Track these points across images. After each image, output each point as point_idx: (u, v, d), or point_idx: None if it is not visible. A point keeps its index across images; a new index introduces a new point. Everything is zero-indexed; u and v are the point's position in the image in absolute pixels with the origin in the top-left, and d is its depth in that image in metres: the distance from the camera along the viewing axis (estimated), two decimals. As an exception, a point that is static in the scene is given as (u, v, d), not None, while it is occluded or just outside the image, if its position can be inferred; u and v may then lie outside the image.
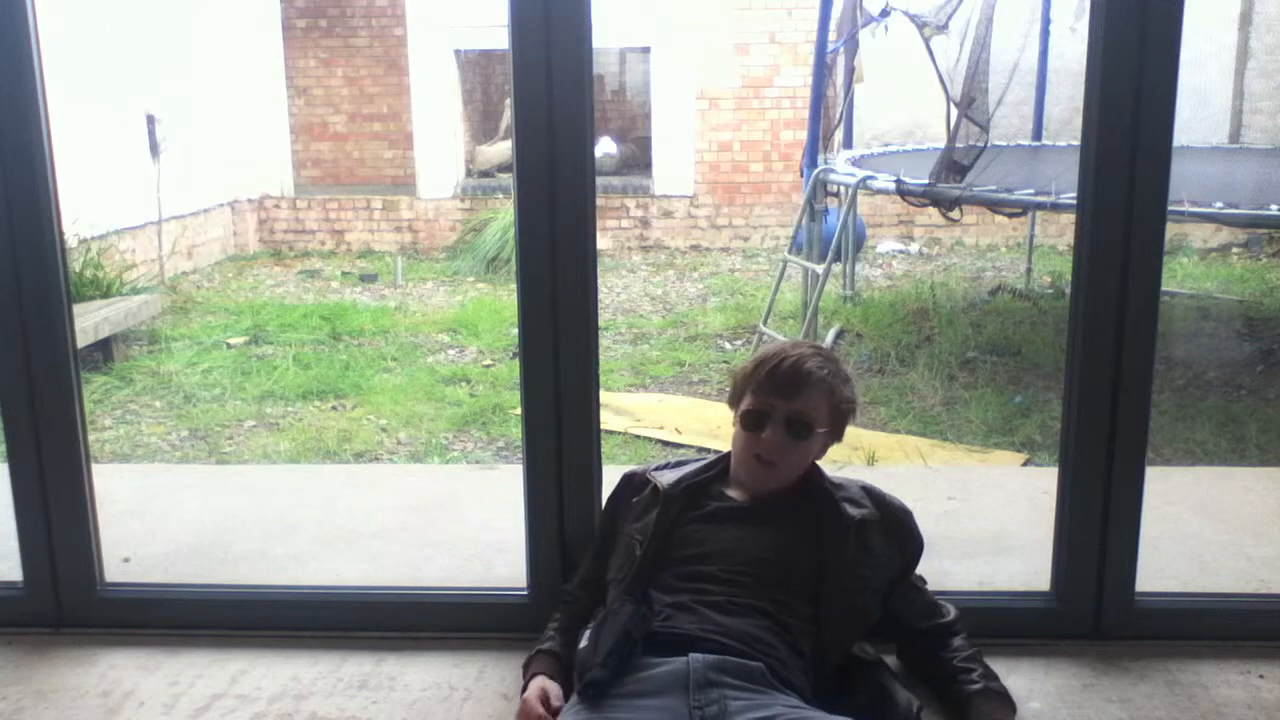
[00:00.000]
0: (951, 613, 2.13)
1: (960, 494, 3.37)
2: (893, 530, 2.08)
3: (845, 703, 1.91)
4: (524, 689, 2.00)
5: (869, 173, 6.91)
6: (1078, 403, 2.31)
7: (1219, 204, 5.74)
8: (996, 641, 2.38)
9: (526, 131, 2.24)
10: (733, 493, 2.09)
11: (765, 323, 6.82)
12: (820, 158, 7.62)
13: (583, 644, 1.91)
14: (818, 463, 2.12)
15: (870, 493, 2.11)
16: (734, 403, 2.09)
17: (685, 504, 2.07)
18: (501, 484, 3.50)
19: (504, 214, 9.64)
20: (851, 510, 2.03)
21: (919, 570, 2.17)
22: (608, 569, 2.14)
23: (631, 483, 2.19)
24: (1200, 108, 9.18)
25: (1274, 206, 5.70)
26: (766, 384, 2.02)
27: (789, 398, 2.00)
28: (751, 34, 10.46)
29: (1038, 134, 9.01)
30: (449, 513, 3.31)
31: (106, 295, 7.00)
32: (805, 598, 1.95)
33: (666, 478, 2.13)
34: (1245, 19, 9.97)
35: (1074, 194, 2.50)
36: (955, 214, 6.46)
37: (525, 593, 2.45)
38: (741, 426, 2.05)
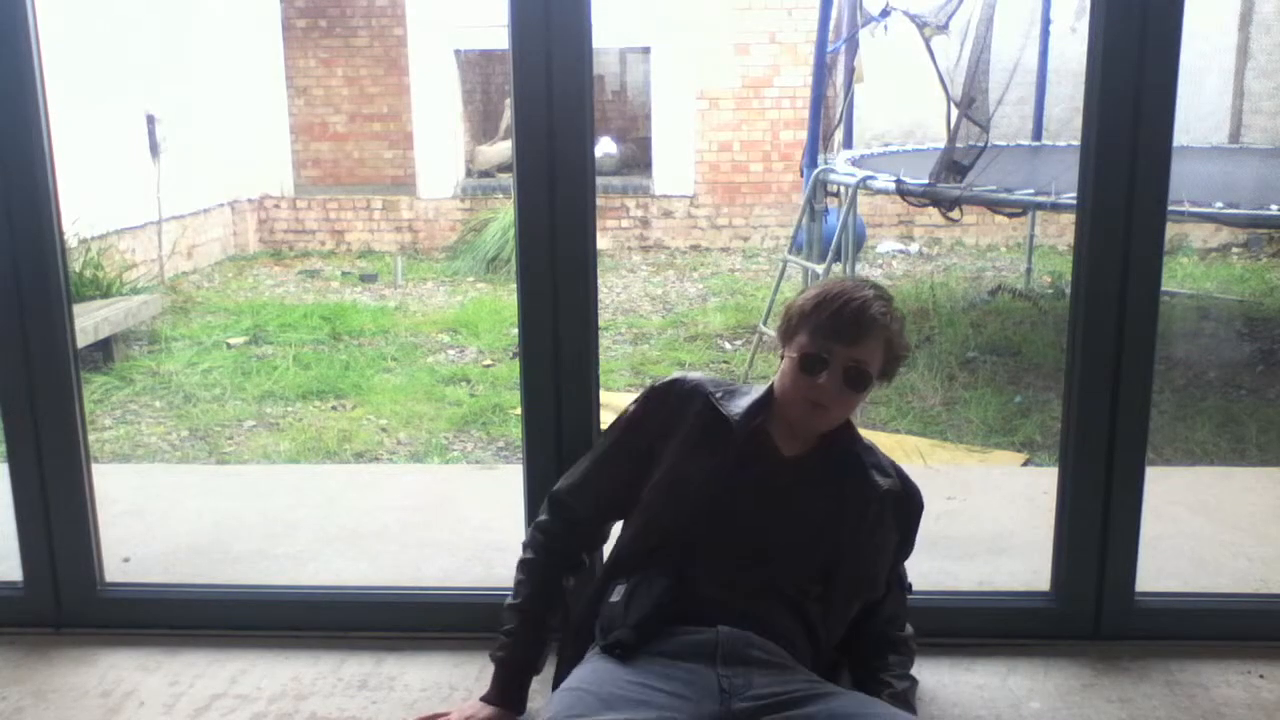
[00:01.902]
0: (908, 630, 2.10)
1: (960, 494, 3.37)
2: (903, 507, 2.04)
3: (839, 681, 1.93)
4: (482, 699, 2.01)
5: (869, 173, 6.91)
6: (1078, 403, 2.31)
7: (1219, 204, 5.74)
8: (996, 641, 2.38)
9: (526, 131, 2.24)
10: (780, 440, 1.98)
11: (765, 323, 6.82)
12: (820, 158, 7.62)
13: (614, 598, 1.91)
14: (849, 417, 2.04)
15: (893, 464, 2.06)
16: (786, 337, 1.95)
17: (746, 451, 1.95)
18: (501, 484, 3.50)
19: (504, 214, 9.64)
20: (880, 479, 1.99)
21: (909, 581, 2.15)
22: (614, 485, 2.04)
23: (680, 393, 2.02)
24: (1200, 108, 9.18)
25: (1274, 206, 5.70)
26: (828, 327, 1.88)
27: (850, 343, 1.88)
28: (751, 34, 10.46)
29: (1038, 134, 9.02)
30: (449, 513, 3.31)
31: (106, 295, 7.00)
32: (819, 565, 1.93)
33: (734, 407, 1.96)
34: (1245, 19, 9.97)
35: (1074, 194, 2.50)
36: (955, 214, 6.46)
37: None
38: (799, 368, 1.91)
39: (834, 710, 1.75)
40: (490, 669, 2.07)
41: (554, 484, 2.16)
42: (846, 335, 1.88)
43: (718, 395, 1.99)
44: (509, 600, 2.08)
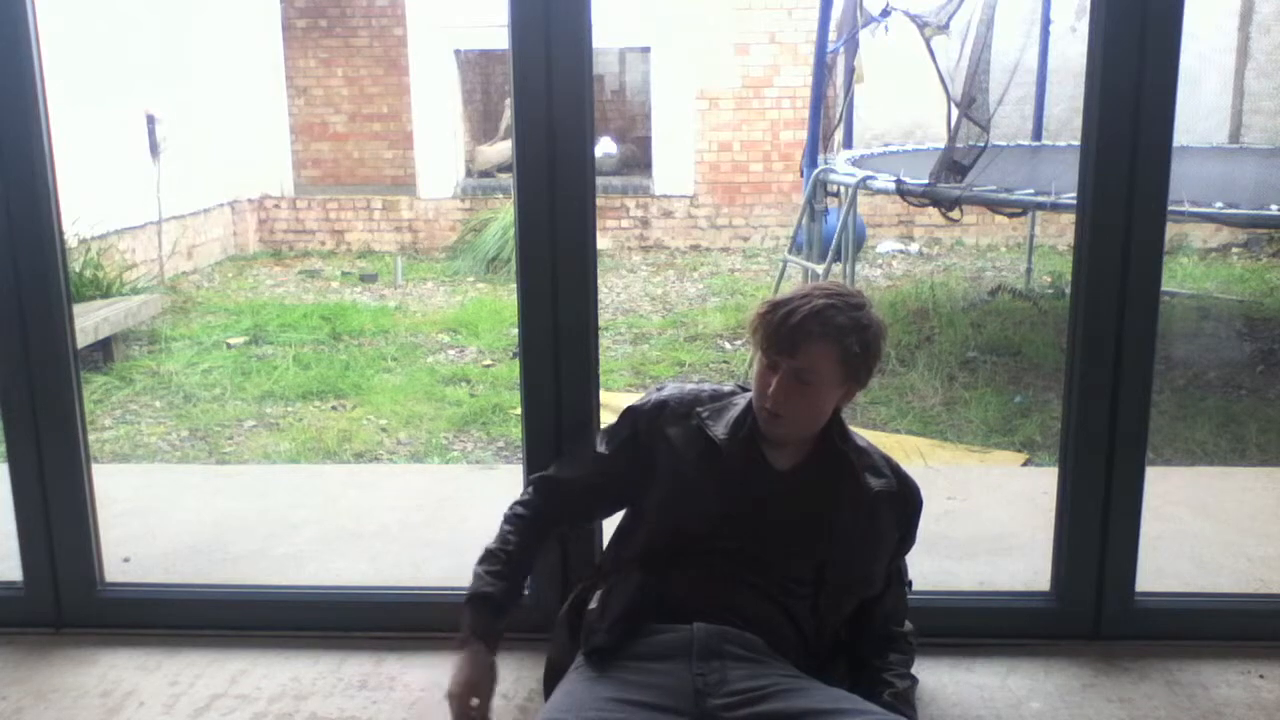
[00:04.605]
0: (908, 626, 2.10)
1: (960, 494, 3.37)
2: (902, 506, 2.04)
3: (830, 676, 1.93)
4: (461, 643, 1.97)
5: (869, 173, 6.91)
6: (1078, 403, 2.31)
7: (1219, 204, 5.74)
8: (996, 641, 2.38)
9: (526, 131, 2.24)
10: (768, 448, 1.98)
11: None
12: (820, 158, 7.62)
13: (592, 605, 1.94)
14: (841, 418, 2.01)
15: (889, 462, 2.05)
16: (750, 344, 2.00)
17: (738, 459, 1.96)
18: (501, 484, 3.50)
19: (504, 214, 9.64)
20: (872, 480, 1.98)
21: (909, 577, 2.15)
22: (603, 499, 2.11)
23: (668, 411, 2.04)
24: (1200, 108, 9.18)
25: (1274, 206, 5.70)
26: (771, 337, 1.89)
27: (790, 353, 1.87)
28: (751, 34, 10.46)
29: (1038, 134, 9.01)
30: (449, 513, 3.31)
31: (106, 295, 7.00)
32: (809, 566, 1.93)
33: (718, 430, 1.98)
34: (1245, 19, 9.97)
35: (1074, 194, 2.50)
36: (955, 214, 6.45)
37: (525, 593, 2.45)
38: (756, 378, 1.95)
39: (808, 704, 1.76)
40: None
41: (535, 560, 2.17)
42: (786, 345, 1.88)
43: (704, 415, 2.02)
44: (492, 545, 2.06)
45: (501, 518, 2.11)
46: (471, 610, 2.00)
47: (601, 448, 2.10)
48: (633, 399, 2.13)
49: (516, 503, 2.14)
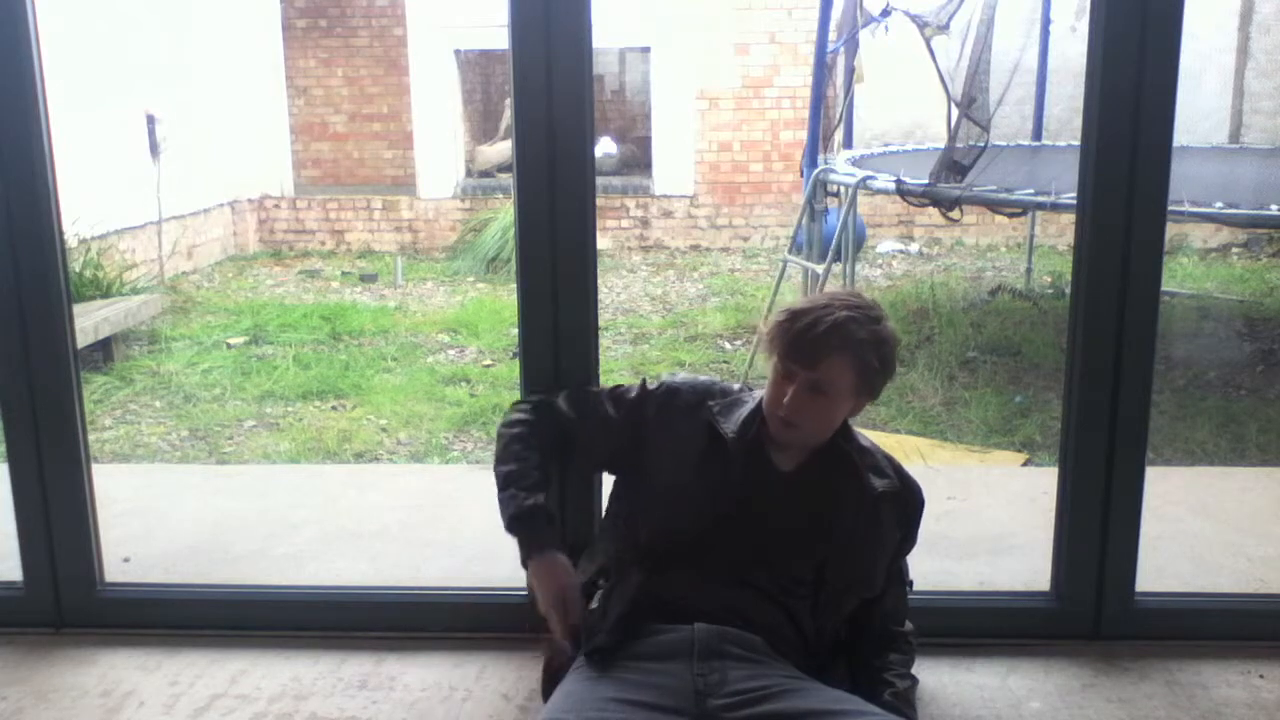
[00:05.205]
0: (908, 626, 2.10)
1: (960, 494, 3.37)
2: (903, 507, 2.03)
3: (830, 676, 1.93)
4: (527, 558, 1.99)
5: (869, 173, 6.90)
6: (1078, 403, 2.31)
7: (1219, 204, 5.74)
8: (996, 641, 2.38)
9: (526, 131, 2.24)
10: (773, 449, 1.97)
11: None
12: (820, 158, 7.61)
13: (593, 605, 1.95)
14: (847, 419, 2.00)
15: (891, 462, 2.05)
16: (767, 349, 1.96)
17: (741, 459, 1.96)
18: (501, 484, 3.50)
19: (504, 214, 9.64)
20: (875, 481, 1.98)
21: (910, 577, 2.15)
22: (595, 451, 2.14)
23: (680, 399, 2.04)
24: (1200, 108, 9.18)
25: (1274, 206, 5.70)
26: (790, 347, 1.88)
27: (810, 366, 1.86)
28: (751, 34, 10.46)
29: (1038, 134, 9.01)
30: (449, 513, 3.31)
31: (106, 295, 7.00)
32: (810, 566, 1.93)
33: (730, 424, 1.97)
34: (1245, 19, 9.97)
35: (1074, 194, 2.50)
36: (955, 214, 6.45)
37: (525, 593, 2.45)
38: (769, 386, 1.93)
39: (808, 705, 1.76)
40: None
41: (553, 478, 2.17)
42: (806, 357, 1.87)
43: (715, 409, 2.00)
44: (511, 468, 2.06)
45: (503, 437, 2.11)
46: (524, 528, 1.99)
47: (610, 408, 2.10)
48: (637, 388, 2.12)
49: (517, 420, 2.13)
